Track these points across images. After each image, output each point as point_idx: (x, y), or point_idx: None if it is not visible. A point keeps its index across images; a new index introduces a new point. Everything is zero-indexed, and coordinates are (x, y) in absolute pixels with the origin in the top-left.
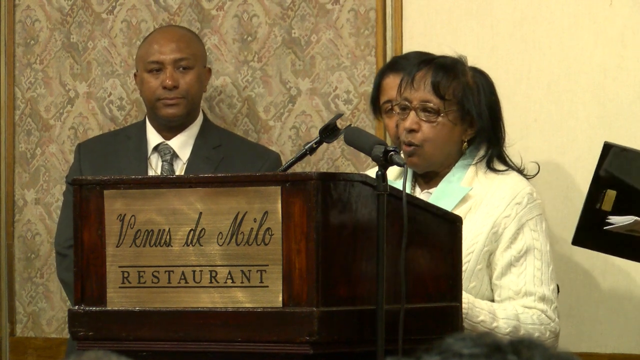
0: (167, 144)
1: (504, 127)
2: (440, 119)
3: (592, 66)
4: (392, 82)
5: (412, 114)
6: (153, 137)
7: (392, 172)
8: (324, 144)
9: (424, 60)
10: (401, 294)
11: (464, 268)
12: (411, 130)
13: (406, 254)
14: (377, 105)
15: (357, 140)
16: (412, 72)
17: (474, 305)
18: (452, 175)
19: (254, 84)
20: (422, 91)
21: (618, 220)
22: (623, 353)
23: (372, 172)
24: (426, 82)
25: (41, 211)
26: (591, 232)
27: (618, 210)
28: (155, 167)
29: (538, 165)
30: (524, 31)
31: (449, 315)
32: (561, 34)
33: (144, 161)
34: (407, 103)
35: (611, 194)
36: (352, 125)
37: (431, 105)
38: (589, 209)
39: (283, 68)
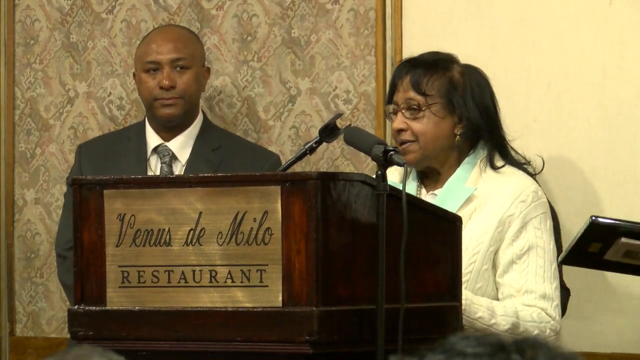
0: (166, 146)
1: (499, 122)
2: (423, 112)
3: (592, 66)
4: None
5: (399, 114)
6: (152, 139)
7: (399, 173)
8: (324, 144)
9: (405, 61)
10: (401, 293)
11: (470, 269)
12: (400, 130)
13: (406, 253)
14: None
15: (357, 140)
16: (397, 76)
17: (473, 302)
18: (456, 176)
19: (253, 83)
20: (404, 91)
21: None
22: (623, 353)
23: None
24: (406, 81)
25: (41, 211)
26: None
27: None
28: (155, 168)
29: (542, 159)
30: (524, 31)
31: (449, 315)
32: (561, 34)
33: (144, 163)
34: (396, 107)
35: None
36: (352, 125)
37: (413, 102)
38: (576, 251)
39: (283, 68)
